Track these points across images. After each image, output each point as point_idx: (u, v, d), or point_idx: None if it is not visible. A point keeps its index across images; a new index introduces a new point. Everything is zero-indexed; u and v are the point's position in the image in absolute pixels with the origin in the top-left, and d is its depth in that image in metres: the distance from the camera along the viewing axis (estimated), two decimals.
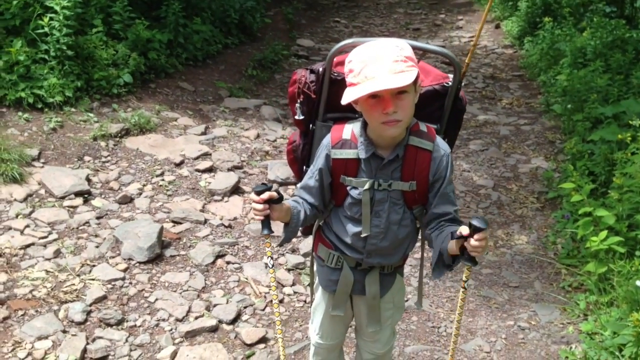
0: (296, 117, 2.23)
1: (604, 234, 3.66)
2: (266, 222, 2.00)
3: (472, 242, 1.79)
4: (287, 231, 2.12)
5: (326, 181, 2.11)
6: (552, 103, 6.81)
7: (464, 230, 1.80)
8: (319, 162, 2.10)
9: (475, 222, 1.78)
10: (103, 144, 5.30)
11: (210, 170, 5.18)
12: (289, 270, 4.00)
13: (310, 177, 2.14)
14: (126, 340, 3.26)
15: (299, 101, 2.21)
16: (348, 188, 2.07)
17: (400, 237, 2.13)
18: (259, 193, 1.94)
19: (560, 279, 4.05)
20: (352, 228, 2.12)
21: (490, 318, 3.70)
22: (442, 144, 2.05)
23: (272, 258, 2.10)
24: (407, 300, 3.54)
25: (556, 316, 3.69)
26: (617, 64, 6.00)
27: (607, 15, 7.61)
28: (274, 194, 1.97)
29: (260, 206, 1.94)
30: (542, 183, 5.36)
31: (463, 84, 2.20)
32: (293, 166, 2.45)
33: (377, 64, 1.80)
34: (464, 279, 1.98)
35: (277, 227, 2.12)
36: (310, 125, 2.25)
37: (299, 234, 2.49)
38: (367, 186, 2.02)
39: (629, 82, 5.62)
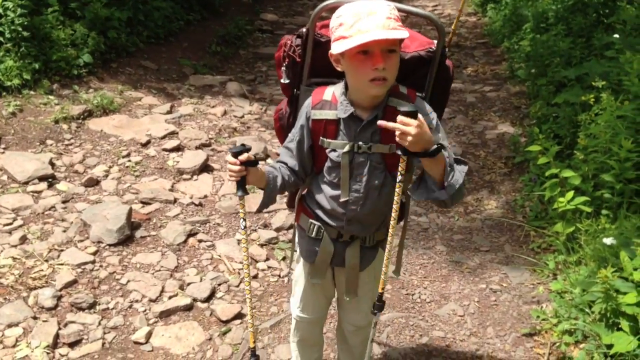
0: (282, 81, 2.21)
1: (570, 194, 3.73)
2: (241, 184, 1.99)
3: (393, 124, 1.79)
4: (263, 196, 2.10)
5: (307, 144, 2.09)
6: (516, 69, 6.86)
7: (398, 118, 1.80)
8: (299, 123, 2.10)
9: (403, 108, 1.81)
10: (65, 126, 5.18)
11: (177, 149, 5.11)
12: (262, 245, 3.99)
13: (291, 140, 2.13)
14: (99, 324, 3.22)
15: (284, 65, 2.19)
16: (327, 151, 2.05)
17: (380, 203, 2.10)
18: (235, 155, 1.93)
19: (529, 240, 4.12)
20: (331, 193, 2.10)
21: (463, 282, 3.76)
22: (422, 105, 2.02)
23: (245, 220, 2.08)
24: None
25: (526, 277, 3.76)
26: (579, 27, 6.05)
27: None
28: (251, 156, 1.96)
29: (237, 167, 1.94)
30: (509, 148, 5.42)
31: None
32: (279, 134, 2.42)
33: (371, 19, 1.78)
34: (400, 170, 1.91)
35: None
36: (295, 90, 2.23)
37: (287, 208, 2.48)
38: (346, 148, 2.00)
39: (590, 44, 5.67)
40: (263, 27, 9.02)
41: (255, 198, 4.48)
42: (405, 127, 1.77)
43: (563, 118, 4.76)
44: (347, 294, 2.32)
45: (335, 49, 1.86)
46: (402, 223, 2.36)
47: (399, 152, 1.87)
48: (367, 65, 1.84)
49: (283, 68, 2.20)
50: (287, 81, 2.20)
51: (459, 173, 1.94)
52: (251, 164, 1.97)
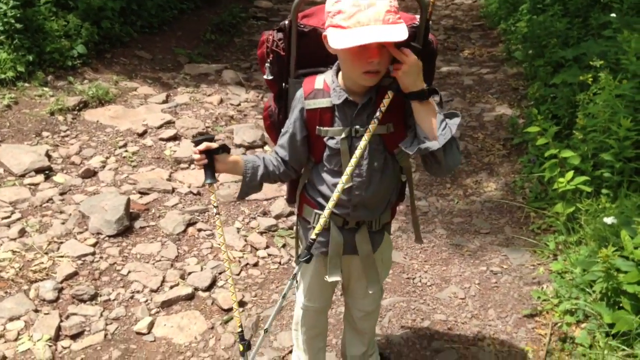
0: (265, 77, 2.17)
1: (570, 174, 3.72)
2: (208, 172, 2.04)
3: (395, 49, 1.80)
4: (241, 185, 2.13)
5: (300, 135, 2.07)
6: (513, 50, 6.83)
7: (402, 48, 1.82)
8: (293, 115, 2.07)
9: (412, 43, 1.83)
10: (61, 118, 5.15)
11: (174, 138, 5.09)
12: (261, 233, 3.98)
13: (285, 132, 2.11)
14: (101, 315, 3.22)
15: (268, 61, 2.14)
16: (325, 139, 2.03)
17: (384, 185, 2.09)
18: (196, 143, 1.99)
19: (529, 222, 4.12)
20: (333, 181, 2.07)
21: (463, 265, 3.75)
22: None
23: (217, 207, 2.10)
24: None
25: (527, 258, 3.76)
26: (575, 7, 6.01)
27: None
28: (212, 144, 2.00)
29: (197, 156, 2.00)
30: (508, 130, 5.40)
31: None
32: (271, 132, 2.37)
33: (372, 11, 1.74)
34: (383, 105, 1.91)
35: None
36: (283, 85, 2.19)
37: (287, 204, 2.45)
38: (343, 134, 1.98)
39: (587, 24, 5.64)
40: (257, 14, 8.96)
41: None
42: (405, 56, 1.80)
43: (561, 98, 4.74)
44: (370, 285, 2.28)
45: (334, 42, 1.79)
46: (400, 208, 2.34)
47: (392, 88, 1.88)
48: (362, 58, 1.81)
49: (267, 64, 2.15)
50: (271, 77, 2.16)
51: (451, 125, 1.91)
52: (216, 151, 2.01)
